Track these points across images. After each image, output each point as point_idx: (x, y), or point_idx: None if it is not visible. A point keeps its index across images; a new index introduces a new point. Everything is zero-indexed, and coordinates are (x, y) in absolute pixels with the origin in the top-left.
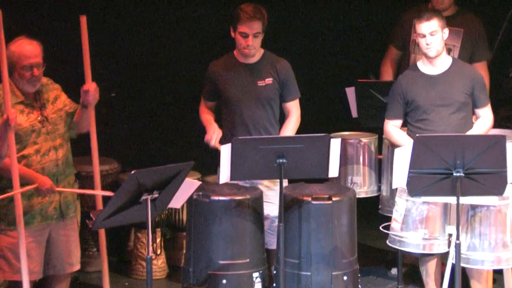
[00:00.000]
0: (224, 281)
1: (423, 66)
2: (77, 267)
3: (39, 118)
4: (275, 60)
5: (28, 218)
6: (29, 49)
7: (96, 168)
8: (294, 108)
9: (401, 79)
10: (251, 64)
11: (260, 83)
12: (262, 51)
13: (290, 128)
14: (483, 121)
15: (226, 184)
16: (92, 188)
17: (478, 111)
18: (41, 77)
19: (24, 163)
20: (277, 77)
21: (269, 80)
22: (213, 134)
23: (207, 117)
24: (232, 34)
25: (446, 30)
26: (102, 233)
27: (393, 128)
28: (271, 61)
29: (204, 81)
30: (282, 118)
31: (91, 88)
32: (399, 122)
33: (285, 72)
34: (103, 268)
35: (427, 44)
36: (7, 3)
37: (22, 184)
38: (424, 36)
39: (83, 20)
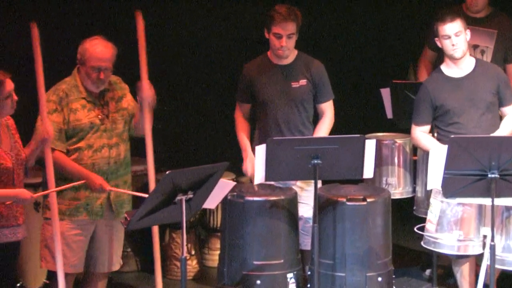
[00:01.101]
0: (258, 281)
1: (447, 69)
2: (117, 266)
3: (99, 116)
4: (309, 61)
5: (73, 210)
6: (101, 51)
7: (151, 172)
8: (328, 109)
9: (427, 84)
10: (285, 65)
11: (294, 84)
12: (296, 52)
13: (323, 129)
14: (510, 119)
15: (260, 184)
16: (135, 186)
17: (504, 109)
18: (106, 81)
19: (76, 156)
20: (311, 79)
21: (303, 82)
22: (248, 165)
23: (243, 138)
24: (266, 35)
25: (468, 32)
26: (155, 233)
27: (421, 134)
28: (305, 62)
29: (238, 84)
30: (315, 119)
31: (145, 85)
32: (427, 127)
33: (319, 73)
34: (155, 269)
35: (453, 45)
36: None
37: (72, 180)
38: (449, 37)
39: (139, 16)
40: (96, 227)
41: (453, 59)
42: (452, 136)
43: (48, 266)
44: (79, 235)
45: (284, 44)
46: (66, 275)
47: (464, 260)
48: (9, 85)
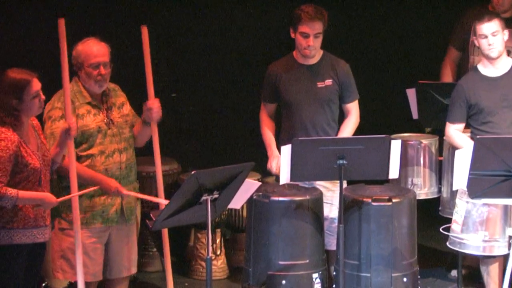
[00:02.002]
0: (284, 281)
1: (483, 68)
2: (133, 270)
3: (105, 120)
4: (334, 61)
5: (89, 218)
6: (96, 48)
7: (160, 180)
8: (353, 109)
9: (463, 82)
10: (310, 65)
11: (320, 84)
12: (321, 52)
13: (348, 129)
14: None
15: (286, 184)
16: (152, 188)
17: None
18: (108, 78)
19: (88, 162)
20: (337, 79)
21: (328, 82)
22: (273, 162)
23: (268, 136)
24: (292, 35)
25: (506, 32)
26: (165, 234)
27: (455, 132)
28: (330, 62)
29: (264, 83)
30: (340, 118)
31: (154, 106)
32: (462, 126)
33: (344, 73)
34: (166, 269)
35: (489, 45)
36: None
37: (85, 186)
38: (485, 37)
39: (145, 30)
40: (111, 234)
41: (489, 58)
42: (478, 136)
43: (67, 276)
44: (96, 243)
45: (311, 43)
46: (87, 284)
47: (492, 260)
48: (36, 84)
